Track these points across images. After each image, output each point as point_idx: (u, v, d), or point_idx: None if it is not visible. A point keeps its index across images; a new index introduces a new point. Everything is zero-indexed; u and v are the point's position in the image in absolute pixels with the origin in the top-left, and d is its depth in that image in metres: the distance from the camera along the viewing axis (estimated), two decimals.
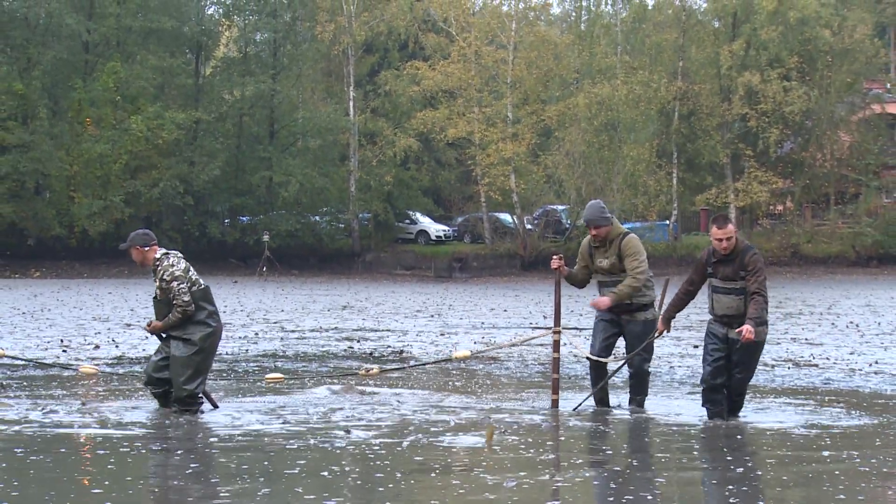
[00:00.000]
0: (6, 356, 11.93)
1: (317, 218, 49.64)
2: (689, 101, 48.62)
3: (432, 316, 23.52)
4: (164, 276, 9.65)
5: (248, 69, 49.75)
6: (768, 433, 9.12)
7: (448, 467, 7.56)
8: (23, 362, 13.03)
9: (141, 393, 10.64)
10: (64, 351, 15.05)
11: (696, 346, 15.69)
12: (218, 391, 10.84)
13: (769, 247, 46.35)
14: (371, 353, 15.29)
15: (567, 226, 48.72)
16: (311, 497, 6.51)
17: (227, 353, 14.85)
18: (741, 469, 7.55)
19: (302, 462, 7.59)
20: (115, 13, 47.63)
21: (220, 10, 52.32)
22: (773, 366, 13.88)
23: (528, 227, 48.72)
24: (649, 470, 7.66)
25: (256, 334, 18.32)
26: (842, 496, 6.68)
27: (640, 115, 46.80)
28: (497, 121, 48.35)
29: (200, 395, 9.76)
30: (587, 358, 10.25)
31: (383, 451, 8.00)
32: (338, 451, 8.02)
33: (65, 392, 11.08)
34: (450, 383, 12.26)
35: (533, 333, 17.26)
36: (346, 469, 7.41)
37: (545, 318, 21.99)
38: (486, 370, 13.60)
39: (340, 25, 49.68)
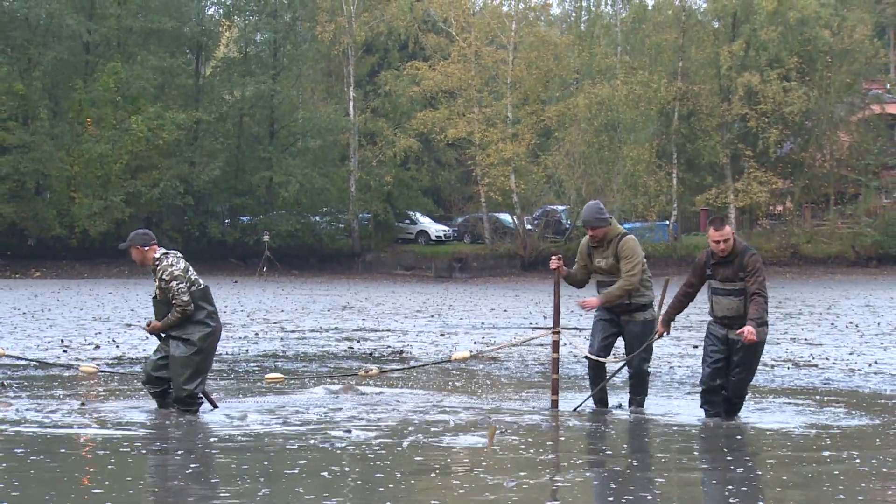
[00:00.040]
0: (7, 356, 11.92)
1: (317, 218, 49.64)
2: (689, 102, 48.58)
3: (432, 316, 23.51)
4: (164, 276, 9.65)
5: (248, 69, 49.76)
6: (768, 433, 9.12)
7: (448, 467, 7.56)
8: (23, 362, 13.04)
9: (141, 393, 10.63)
10: (64, 351, 15.05)
11: (695, 347, 15.69)
12: (218, 391, 10.84)
13: (769, 247, 46.32)
14: (371, 354, 15.29)
15: (567, 226, 48.70)
16: (312, 497, 6.50)
17: (227, 353, 14.85)
18: (741, 469, 7.55)
19: (302, 462, 7.59)
20: (116, 14, 47.65)
21: (221, 11, 52.35)
22: (772, 366, 13.88)
23: (528, 227, 48.71)
24: (649, 470, 7.66)
25: (256, 334, 18.32)
26: (842, 496, 6.67)
27: (640, 115, 46.78)
28: (497, 121, 48.34)
29: (200, 396, 9.77)
30: (586, 357, 10.26)
31: (383, 452, 8.00)
32: (338, 452, 8.02)
33: (65, 392, 11.08)
34: (450, 383, 12.26)
35: (533, 334, 17.25)
36: (347, 469, 7.41)
37: (545, 318, 21.98)
38: (486, 370, 13.60)
39: (340, 26, 49.68)
